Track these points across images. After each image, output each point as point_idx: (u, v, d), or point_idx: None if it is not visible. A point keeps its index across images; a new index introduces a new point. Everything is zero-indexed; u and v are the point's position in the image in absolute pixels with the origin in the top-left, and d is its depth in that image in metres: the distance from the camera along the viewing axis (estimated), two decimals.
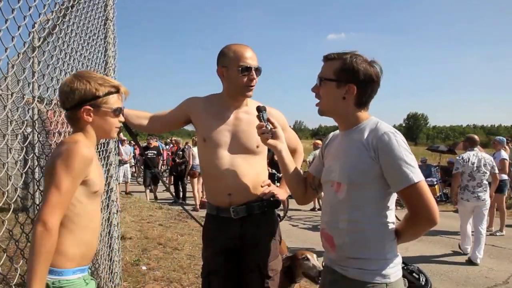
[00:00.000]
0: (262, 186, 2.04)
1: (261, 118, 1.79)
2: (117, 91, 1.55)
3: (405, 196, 1.43)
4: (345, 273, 1.50)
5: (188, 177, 9.79)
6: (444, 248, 5.95)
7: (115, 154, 3.21)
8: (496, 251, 5.75)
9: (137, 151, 14.20)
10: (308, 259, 2.40)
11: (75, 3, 2.43)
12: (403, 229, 1.50)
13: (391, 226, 1.51)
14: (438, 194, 10.67)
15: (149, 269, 4.21)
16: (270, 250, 2.04)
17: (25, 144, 2.18)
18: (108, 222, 3.16)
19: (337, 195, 1.53)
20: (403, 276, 1.62)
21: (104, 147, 3.04)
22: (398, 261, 1.52)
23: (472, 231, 5.48)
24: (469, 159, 5.44)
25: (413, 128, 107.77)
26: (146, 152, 10.36)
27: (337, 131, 1.71)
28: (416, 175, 1.41)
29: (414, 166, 1.42)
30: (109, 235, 3.18)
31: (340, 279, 1.51)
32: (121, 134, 8.89)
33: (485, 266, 4.97)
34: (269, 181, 2.10)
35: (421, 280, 1.88)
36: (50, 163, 1.42)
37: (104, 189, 3.11)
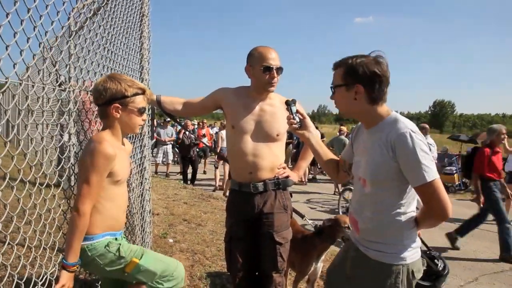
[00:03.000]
0: (278, 168, 2.40)
1: (290, 111, 1.91)
2: (143, 92, 1.78)
3: (420, 193, 1.56)
4: (367, 253, 1.71)
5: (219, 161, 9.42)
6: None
7: (149, 137, 3.56)
8: None
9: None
10: (350, 229, 2.73)
11: (108, 1, 2.47)
12: (420, 219, 1.65)
13: (411, 215, 1.65)
14: (457, 183, 10.68)
15: (175, 241, 4.60)
16: (283, 221, 2.39)
17: (65, 132, 2.35)
18: (141, 198, 3.52)
19: (363, 189, 1.71)
20: (424, 259, 1.81)
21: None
22: (416, 245, 1.68)
23: None
24: None
25: (439, 115, 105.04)
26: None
27: None
28: (430, 174, 1.50)
29: (428, 165, 1.51)
30: (142, 209, 3.55)
31: (363, 258, 1.72)
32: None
33: (495, 253, 5.12)
34: (284, 164, 2.45)
35: (439, 266, 2.13)
36: (81, 158, 1.73)
37: (138, 169, 3.48)
